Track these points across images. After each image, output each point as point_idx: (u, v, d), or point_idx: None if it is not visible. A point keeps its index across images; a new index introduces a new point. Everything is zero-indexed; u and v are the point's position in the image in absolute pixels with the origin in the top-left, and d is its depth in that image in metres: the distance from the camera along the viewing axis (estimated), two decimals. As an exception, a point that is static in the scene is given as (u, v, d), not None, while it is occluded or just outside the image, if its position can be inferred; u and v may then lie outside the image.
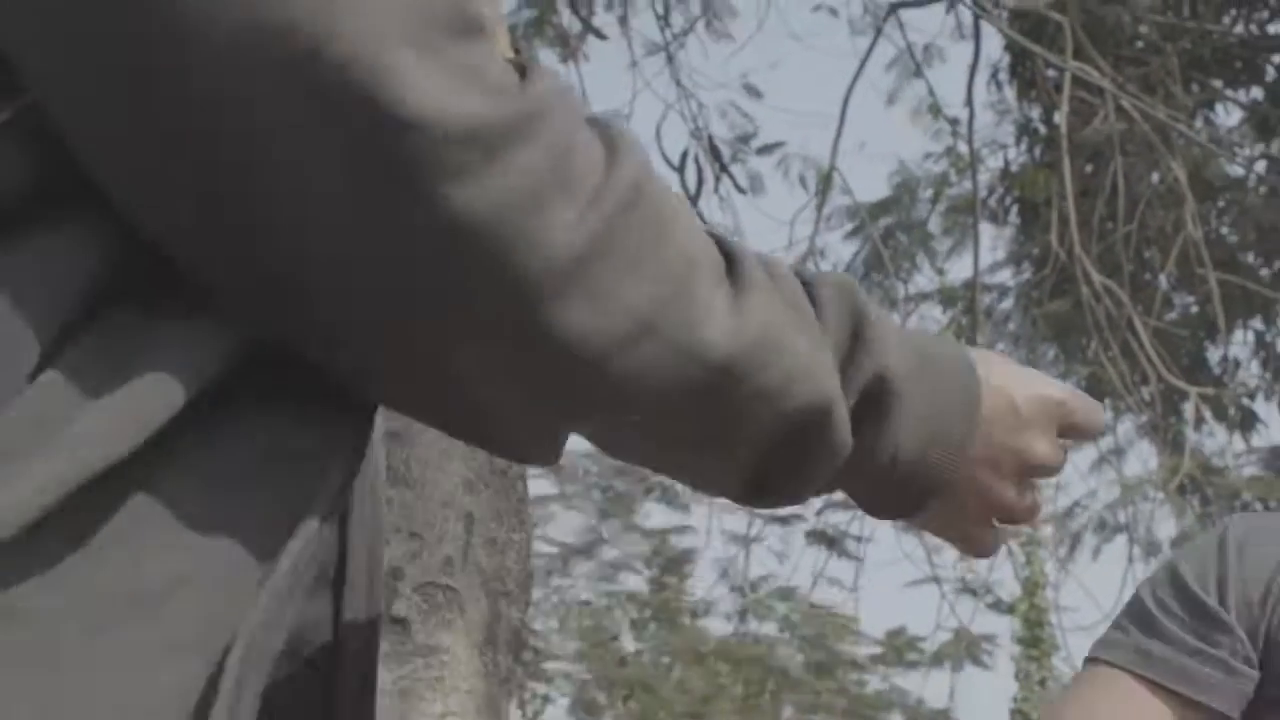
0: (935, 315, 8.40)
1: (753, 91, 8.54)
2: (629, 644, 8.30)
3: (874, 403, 0.88)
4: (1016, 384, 0.95)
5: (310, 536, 0.71)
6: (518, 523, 2.72)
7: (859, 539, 8.24)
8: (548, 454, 0.80)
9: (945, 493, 0.93)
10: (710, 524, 8.20)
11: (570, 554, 8.06)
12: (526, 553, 2.74)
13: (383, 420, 0.80)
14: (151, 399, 0.67)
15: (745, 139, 8.23)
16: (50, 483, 0.63)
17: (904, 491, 0.92)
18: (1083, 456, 8.32)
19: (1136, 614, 1.51)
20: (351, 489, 0.76)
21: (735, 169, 7.76)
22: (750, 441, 0.83)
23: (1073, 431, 0.98)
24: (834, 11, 8.22)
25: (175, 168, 0.67)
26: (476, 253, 0.68)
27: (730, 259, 0.80)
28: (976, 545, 1.00)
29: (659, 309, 0.74)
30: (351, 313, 0.71)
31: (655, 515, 8.77)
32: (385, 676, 2.53)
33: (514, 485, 2.73)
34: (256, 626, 0.69)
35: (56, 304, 0.66)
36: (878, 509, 0.95)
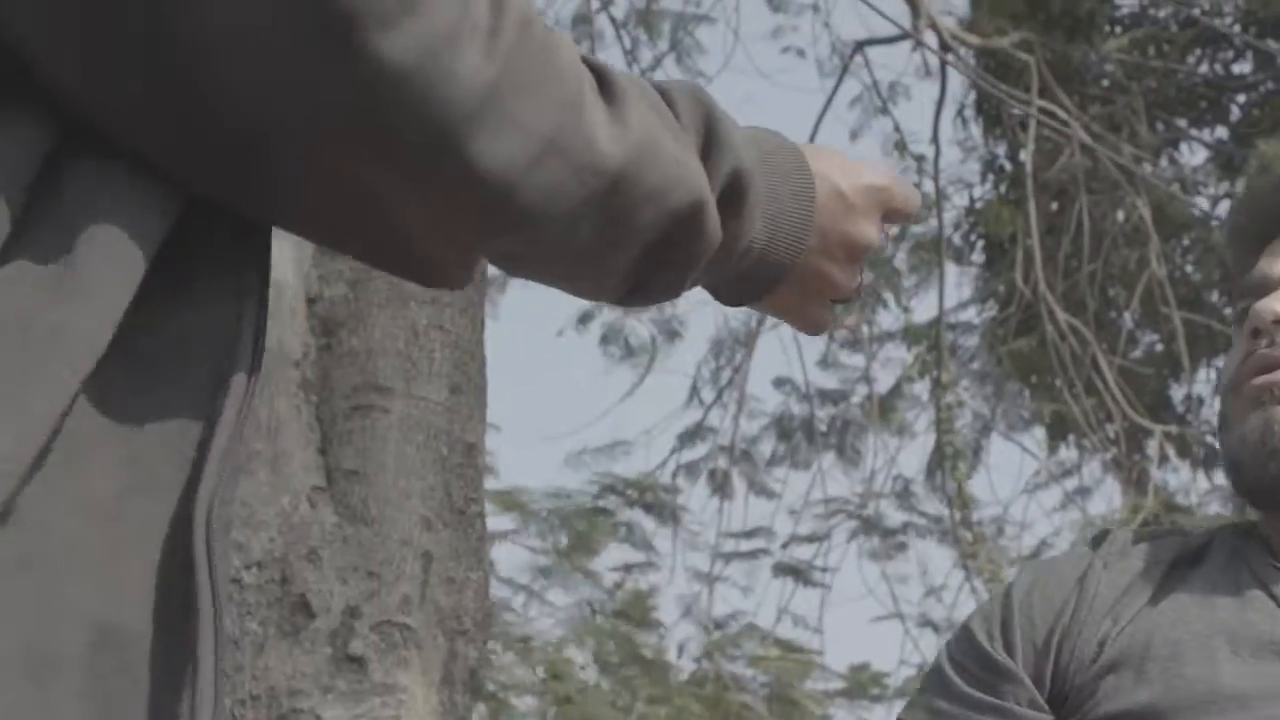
0: (900, 354, 8.40)
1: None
2: (590, 676, 8.28)
3: (731, 198, 0.94)
4: (843, 174, 1.03)
5: (240, 391, 0.76)
6: (475, 561, 2.71)
7: (824, 569, 8.22)
8: (459, 278, 0.87)
9: (789, 278, 1.02)
10: (675, 560, 8.19)
11: (529, 595, 8.04)
12: (484, 591, 2.73)
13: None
14: (116, 277, 0.71)
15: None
16: (44, 416, 0.68)
17: (755, 279, 1.01)
18: (1049, 495, 8.33)
19: (932, 672, 1.55)
20: (264, 336, 0.80)
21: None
22: (637, 244, 0.89)
23: (894, 215, 1.07)
24: (801, 53, 8.22)
25: (105, 43, 0.71)
26: (403, 95, 0.74)
27: (600, 75, 0.86)
28: (814, 324, 1.10)
29: (558, 130, 0.80)
30: (281, 167, 0.76)
31: (617, 554, 8.77)
32: (342, 715, 2.51)
33: (472, 524, 2.71)
34: (214, 494, 0.74)
35: (13, 181, 0.70)
36: (730, 297, 1.04)
